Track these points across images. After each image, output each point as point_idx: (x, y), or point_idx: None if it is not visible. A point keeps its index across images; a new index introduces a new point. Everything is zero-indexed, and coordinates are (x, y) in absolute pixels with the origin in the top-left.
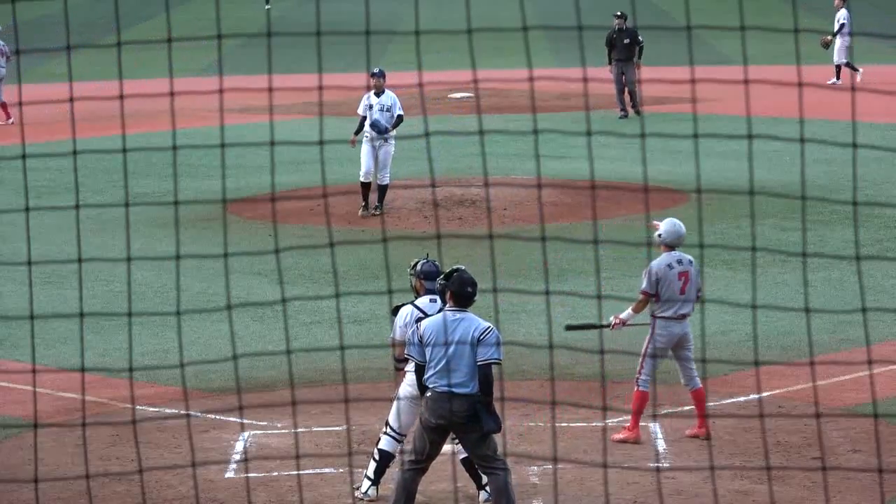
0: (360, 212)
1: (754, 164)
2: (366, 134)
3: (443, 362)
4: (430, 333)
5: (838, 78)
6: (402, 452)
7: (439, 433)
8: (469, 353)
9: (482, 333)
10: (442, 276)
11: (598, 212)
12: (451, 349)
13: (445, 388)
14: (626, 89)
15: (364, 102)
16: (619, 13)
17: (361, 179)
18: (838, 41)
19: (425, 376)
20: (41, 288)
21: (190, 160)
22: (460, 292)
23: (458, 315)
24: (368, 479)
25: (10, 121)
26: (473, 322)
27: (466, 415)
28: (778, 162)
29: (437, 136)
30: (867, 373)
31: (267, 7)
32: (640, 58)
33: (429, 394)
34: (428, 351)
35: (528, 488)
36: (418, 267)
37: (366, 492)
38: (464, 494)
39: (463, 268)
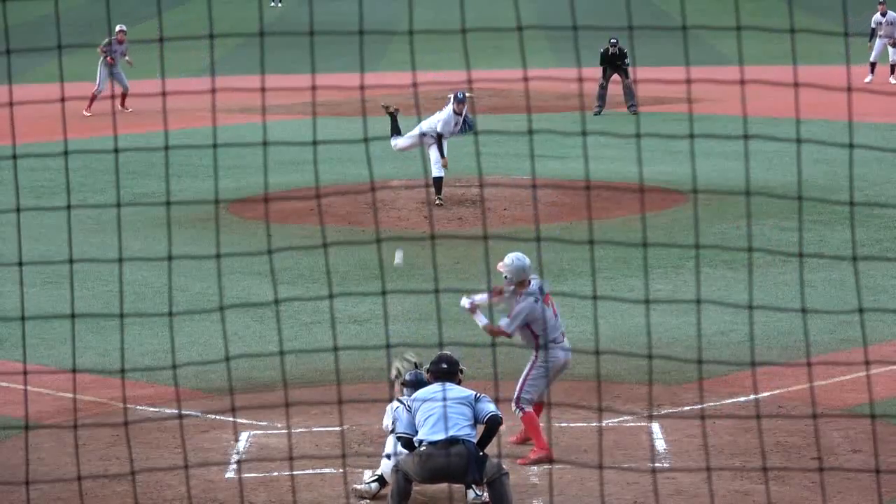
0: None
1: (756, 165)
2: None
3: (437, 415)
4: (421, 396)
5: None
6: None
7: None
8: (464, 408)
9: (478, 393)
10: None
11: (598, 212)
12: (446, 404)
13: (443, 436)
14: (623, 89)
15: None
16: (613, 40)
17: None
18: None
19: (419, 435)
20: (41, 288)
21: (191, 160)
22: (435, 369)
23: (447, 385)
24: (376, 476)
25: None
26: (463, 389)
27: (464, 462)
28: (778, 162)
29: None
30: (867, 373)
31: (272, 5)
32: (626, 66)
33: (422, 448)
34: (420, 412)
35: (528, 488)
36: (406, 377)
37: (368, 483)
38: (462, 494)
39: (447, 352)
